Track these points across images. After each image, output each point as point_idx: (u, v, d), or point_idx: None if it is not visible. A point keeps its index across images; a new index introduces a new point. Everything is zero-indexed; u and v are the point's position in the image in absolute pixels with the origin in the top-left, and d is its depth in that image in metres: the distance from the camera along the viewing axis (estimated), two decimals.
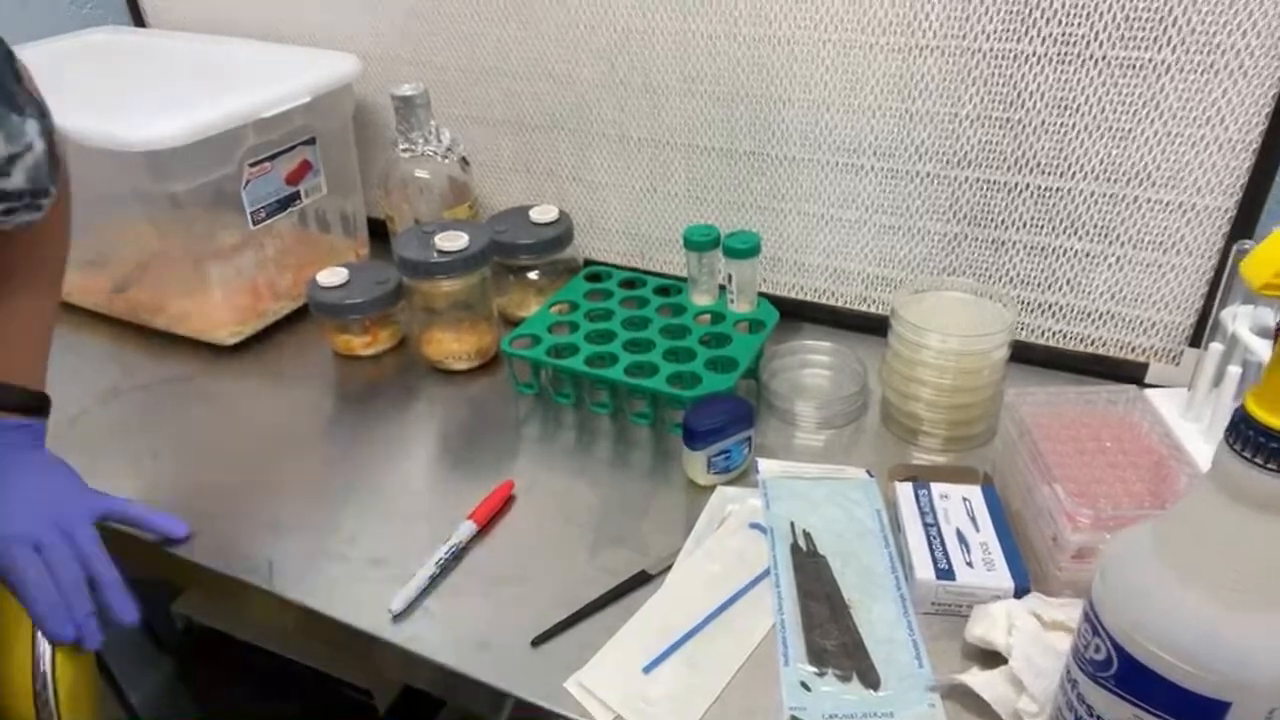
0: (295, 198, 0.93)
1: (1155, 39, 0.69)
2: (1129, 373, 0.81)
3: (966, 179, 0.80)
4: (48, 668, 0.59)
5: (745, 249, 0.81)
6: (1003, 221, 0.81)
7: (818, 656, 0.57)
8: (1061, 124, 0.75)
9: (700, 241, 0.83)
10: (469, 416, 0.82)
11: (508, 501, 0.71)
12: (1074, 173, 0.76)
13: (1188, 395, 0.72)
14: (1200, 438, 0.69)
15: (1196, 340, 0.78)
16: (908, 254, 0.86)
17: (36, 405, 0.67)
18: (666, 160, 0.92)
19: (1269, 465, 0.35)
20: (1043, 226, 0.79)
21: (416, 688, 0.62)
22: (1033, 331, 0.85)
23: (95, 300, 0.99)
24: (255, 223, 0.89)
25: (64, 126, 0.80)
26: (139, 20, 1.17)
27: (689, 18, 0.83)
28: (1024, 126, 0.76)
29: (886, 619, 0.59)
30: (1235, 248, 0.67)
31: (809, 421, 0.78)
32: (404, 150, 0.93)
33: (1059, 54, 0.72)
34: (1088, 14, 0.70)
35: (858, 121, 0.81)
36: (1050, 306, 0.83)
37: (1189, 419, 0.71)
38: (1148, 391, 0.73)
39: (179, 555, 0.68)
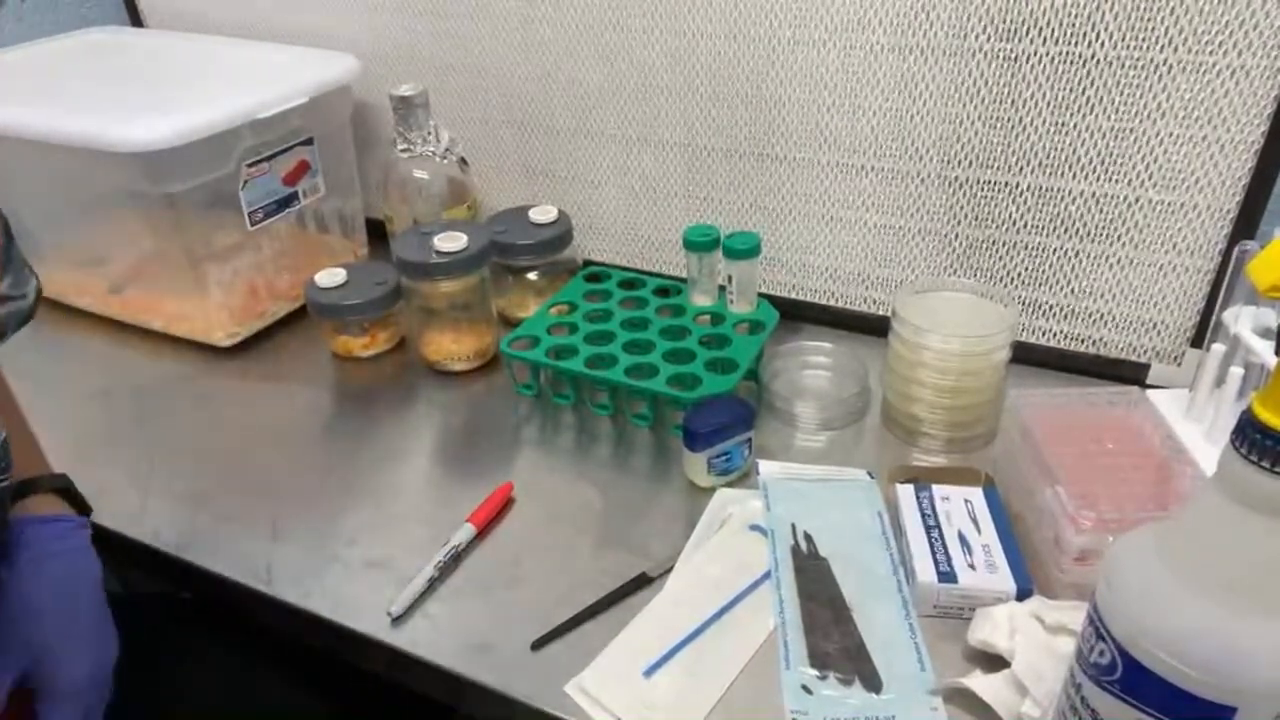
0: (293, 198, 0.93)
1: (1155, 39, 0.68)
2: (1130, 374, 0.81)
3: (967, 179, 0.80)
4: None
5: (745, 249, 0.80)
6: (1003, 221, 0.81)
7: (819, 659, 0.57)
8: (1061, 124, 0.74)
9: (700, 242, 0.82)
10: (468, 418, 0.82)
11: (507, 504, 0.71)
12: (1074, 173, 0.76)
13: (1190, 396, 0.72)
14: (1202, 439, 0.69)
15: (1198, 341, 0.78)
16: (908, 254, 0.86)
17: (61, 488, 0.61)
18: (666, 160, 0.92)
19: (1276, 469, 0.34)
20: (1043, 227, 0.79)
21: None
22: (1034, 332, 0.84)
23: (91, 301, 0.98)
24: (253, 223, 0.89)
25: (61, 126, 0.81)
26: (136, 20, 1.17)
27: (689, 18, 0.83)
28: (1024, 126, 0.76)
29: (888, 622, 0.59)
30: (1237, 249, 0.67)
31: (809, 423, 0.77)
32: (402, 150, 0.92)
33: (1059, 54, 0.72)
34: (1088, 14, 0.69)
35: (858, 121, 0.81)
36: (1051, 307, 0.83)
37: (1191, 420, 0.71)
38: (1149, 392, 0.73)
39: (176, 558, 0.68)
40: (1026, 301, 0.83)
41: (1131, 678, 0.40)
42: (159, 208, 0.83)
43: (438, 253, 0.81)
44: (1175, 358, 0.80)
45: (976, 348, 0.70)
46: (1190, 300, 0.77)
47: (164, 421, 0.83)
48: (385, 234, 1.00)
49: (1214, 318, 0.70)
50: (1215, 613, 0.37)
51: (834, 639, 0.58)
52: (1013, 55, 0.73)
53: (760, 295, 0.85)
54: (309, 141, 0.92)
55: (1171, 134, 0.71)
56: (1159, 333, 0.80)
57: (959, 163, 0.79)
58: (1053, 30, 0.71)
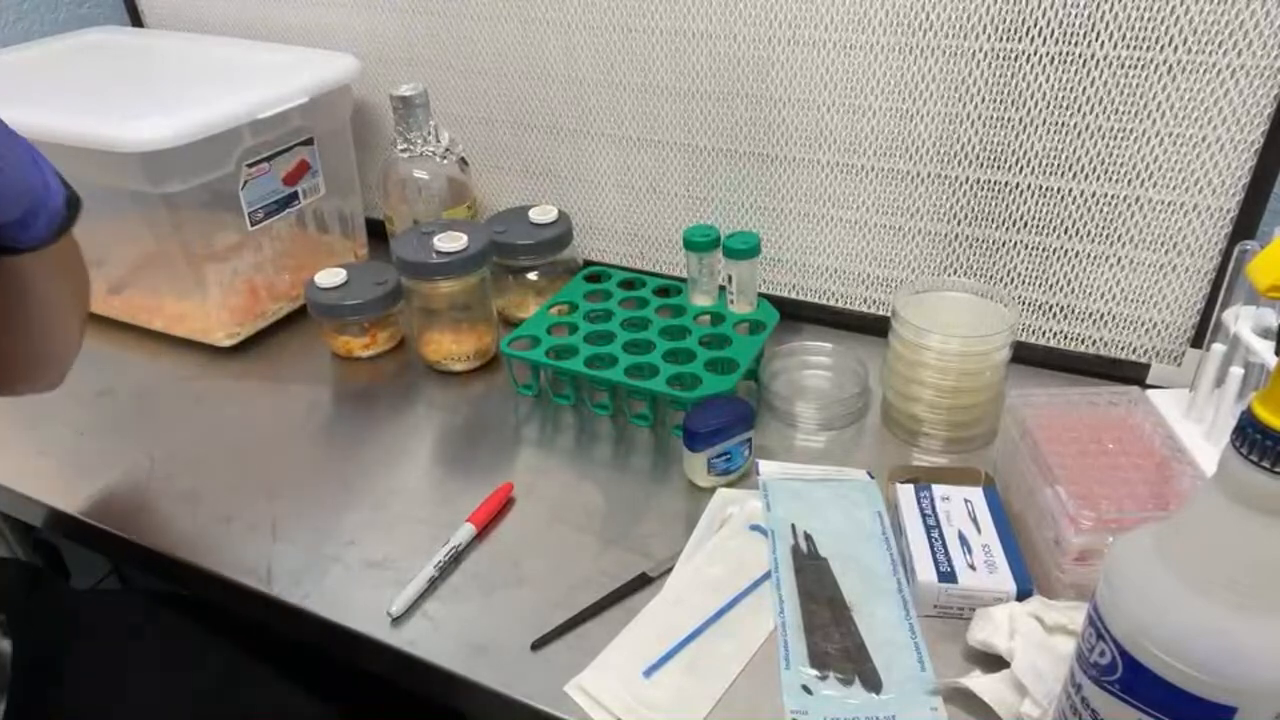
0: (293, 198, 0.93)
1: (1156, 39, 0.68)
2: (1130, 373, 0.81)
3: (967, 179, 0.80)
4: None
5: (745, 249, 0.80)
6: (1003, 222, 0.81)
7: (819, 659, 0.57)
8: (1061, 124, 0.74)
9: (700, 242, 0.82)
10: (468, 418, 0.82)
11: (507, 504, 0.71)
12: (1074, 173, 0.76)
13: (1190, 396, 0.72)
14: (1202, 439, 0.69)
15: (1198, 341, 0.78)
16: (908, 254, 0.86)
17: None
18: (666, 160, 0.92)
19: (1276, 469, 0.34)
20: (1043, 227, 0.79)
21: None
22: (1034, 332, 0.84)
23: (91, 301, 0.98)
24: (253, 223, 0.89)
25: (61, 126, 0.81)
26: (136, 20, 1.17)
27: (689, 18, 0.83)
28: (1024, 126, 0.76)
29: (888, 622, 0.59)
30: (1238, 249, 0.67)
31: (809, 423, 0.77)
32: (403, 150, 0.92)
33: (1059, 54, 0.72)
34: (1088, 14, 0.69)
35: (858, 121, 0.81)
36: (1051, 307, 0.83)
37: (1191, 420, 0.71)
38: (1149, 392, 0.73)
39: (177, 558, 0.68)
40: (1026, 301, 0.83)
41: (1131, 677, 0.40)
42: (158, 208, 0.83)
43: (438, 253, 0.81)
44: (1175, 358, 0.80)
45: (976, 348, 0.70)
46: (1190, 300, 0.77)
47: (164, 421, 0.83)
48: (385, 234, 1.00)
49: (1214, 318, 0.70)
50: (1215, 612, 0.37)
51: (834, 639, 0.58)
52: (1013, 55, 0.73)
53: (760, 295, 0.85)
54: (309, 141, 0.92)
55: (1171, 134, 0.71)
56: (1159, 333, 0.80)
57: (959, 163, 0.79)
58: (1053, 30, 0.71)
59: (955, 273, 0.85)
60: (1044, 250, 0.80)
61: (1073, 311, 0.82)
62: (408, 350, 0.92)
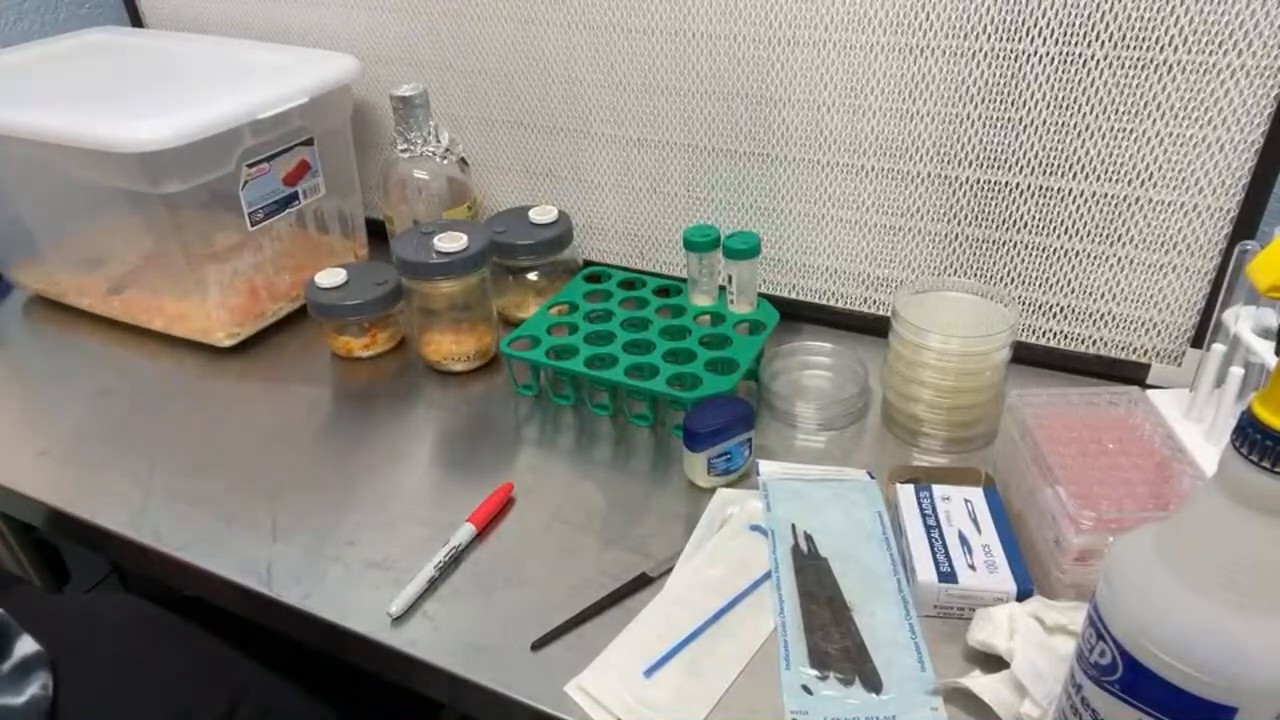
0: (293, 198, 0.93)
1: (1156, 39, 0.68)
2: (1130, 374, 0.81)
3: (967, 179, 0.80)
4: None
5: (745, 249, 0.80)
6: (1003, 222, 0.81)
7: (819, 660, 0.57)
8: (1062, 124, 0.74)
9: (700, 242, 0.82)
10: (468, 418, 0.82)
11: (507, 504, 0.71)
12: (1075, 173, 0.76)
13: (1190, 396, 0.72)
14: (1202, 439, 0.69)
15: (1198, 341, 0.78)
16: (908, 254, 0.86)
17: None
18: (666, 160, 0.92)
19: (1276, 469, 0.34)
20: (1043, 227, 0.79)
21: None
22: (1034, 332, 0.84)
23: (90, 301, 0.98)
24: (253, 224, 0.89)
25: (61, 127, 0.81)
26: (136, 20, 1.17)
27: (689, 18, 0.83)
28: (1024, 126, 0.76)
29: (888, 622, 0.59)
30: (1238, 249, 0.67)
31: (810, 423, 0.77)
32: (403, 151, 0.92)
33: (1059, 54, 0.72)
34: (1088, 13, 0.69)
35: (858, 121, 0.81)
36: (1051, 307, 0.83)
37: (1191, 420, 0.71)
38: (1149, 392, 0.73)
39: (176, 558, 0.68)
40: (1026, 301, 0.83)
41: (1131, 677, 0.40)
42: (158, 208, 0.83)
43: (438, 253, 0.81)
44: (1175, 358, 0.80)
45: (976, 348, 0.70)
46: (1190, 300, 0.77)
47: (164, 421, 0.83)
48: (385, 234, 1.00)
49: (1214, 318, 0.70)
50: (1215, 612, 0.37)
51: (834, 639, 0.58)
52: (1013, 55, 0.73)
53: (760, 295, 0.85)
54: (309, 141, 0.92)
55: (1171, 134, 0.71)
56: (1159, 333, 0.80)
57: (959, 163, 0.79)
58: (1053, 30, 0.71)
59: (955, 273, 0.85)
60: (1044, 250, 0.80)
61: (1073, 311, 0.82)
62: (408, 350, 0.92)
